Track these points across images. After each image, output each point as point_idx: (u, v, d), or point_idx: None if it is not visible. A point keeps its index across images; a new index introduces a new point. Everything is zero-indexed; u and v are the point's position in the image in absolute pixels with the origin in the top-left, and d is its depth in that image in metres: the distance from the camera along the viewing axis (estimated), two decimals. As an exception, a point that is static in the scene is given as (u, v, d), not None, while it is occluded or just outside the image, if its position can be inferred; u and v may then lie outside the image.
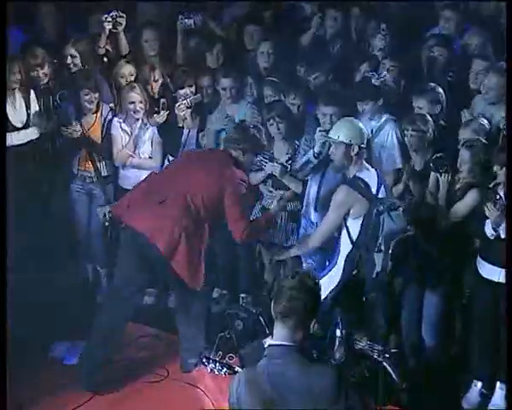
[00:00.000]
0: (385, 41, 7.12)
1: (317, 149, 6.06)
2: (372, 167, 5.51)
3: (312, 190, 6.27)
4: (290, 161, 6.34)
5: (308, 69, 6.97)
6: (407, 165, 6.03)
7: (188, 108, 6.60)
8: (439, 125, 6.10)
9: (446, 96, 6.23)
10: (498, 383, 5.72)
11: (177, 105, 6.59)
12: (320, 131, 6.05)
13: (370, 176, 5.43)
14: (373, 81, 6.52)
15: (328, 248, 6.17)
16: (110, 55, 7.08)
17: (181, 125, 6.65)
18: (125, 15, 6.94)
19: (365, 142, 5.43)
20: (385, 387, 5.00)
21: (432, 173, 5.75)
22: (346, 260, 5.39)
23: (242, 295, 6.90)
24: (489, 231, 5.39)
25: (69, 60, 6.80)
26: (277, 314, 3.41)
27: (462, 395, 5.74)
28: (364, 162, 5.46)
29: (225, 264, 6.98)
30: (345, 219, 5.38)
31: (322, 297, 5.04)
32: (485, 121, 6.04)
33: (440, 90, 6.21)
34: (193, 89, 6.71)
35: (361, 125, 5.56)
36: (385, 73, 6.61)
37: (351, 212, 5.35)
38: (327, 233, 5.50)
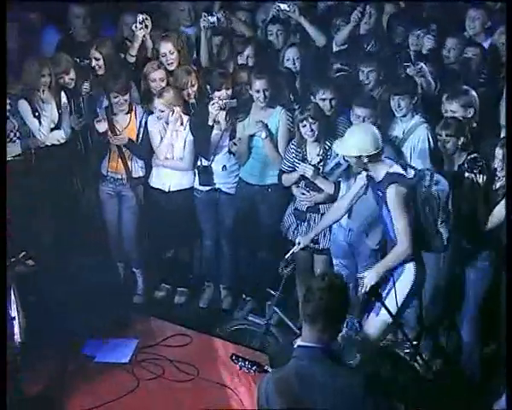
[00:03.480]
0: (421, 41, 7.14)
1: None
2: (389, 158, 5.38)
3: (344, 192, 6.19)
4: (322, 163, 6.35)
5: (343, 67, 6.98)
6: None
7: (222, 109, 6.57)
8: (472, 128, 6.01)
9: (479, 97, 6.16)
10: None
11: (211, 103, 6.54)
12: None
13: (394, 165, 5.31)
14: (408, 71, 6.47)
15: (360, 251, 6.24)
16: (137, 58, 7.08)
17: (211, 123, 6.60)
18: (149, 18, 6.94)
19: (379, 147, 5.22)
20: (413, 387, 4.99)
21: (466, 175, 5.73)
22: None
23: (269, 302, 6.96)
24: None
25: (94, 62, 6.85)
26: (306, 316, 3.41)
27: (495, 399, 5.66)
28: (385, 159, 5.30)
29: (252, 270, 7.01)
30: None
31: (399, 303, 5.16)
32: None
33: (473, 93, 6.12)
34: (229, 91, 6.67)
35: (372, 130, 5.33)
36: (422, 64, 6.50)
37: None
38: (409, 233, 5.19)
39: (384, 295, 5.23)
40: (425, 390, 5.19)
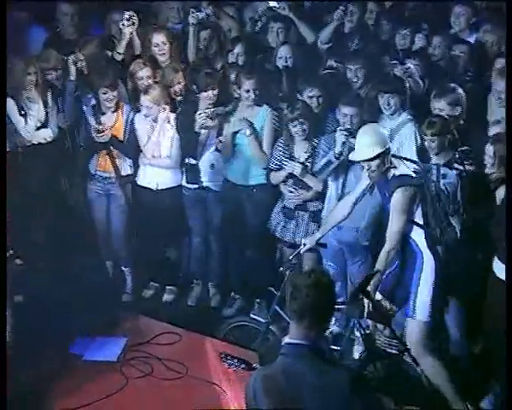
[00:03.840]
0: (408, 40, 7.15)
1: (337, 150, 6.04)
2: (398, 158, 5.42)
3: (334, 192, 6.27)
4: (310, 160, 6.36)
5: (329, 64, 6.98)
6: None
7: (209, 118, 6.54)
8: (460, 125, 6.03)
9: (466, 94, 6.17)
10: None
11: (198, 113, 6.52)
12: (340, 130, 6.02)
13: (400, 165, 5.34)
14: (396, 71, 6.49)
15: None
16: (125, 56, 7.04)
17: (198, 130, 6.59)
18: (136, 15, 6.90)
19: (387, 145, 5.30)
20: (404, 386, 5.01)
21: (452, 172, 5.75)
22: (429, 247, 5.33)
23: (257, 300, 6.96)
24: None
25: (79, 64, 6.76)
26: (293, 313, 3.40)
27: (483, 397, 5.69)
28: (392, 159, 5.34)
29: (240, 268, 7.02)
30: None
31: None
32: None
33: (460, 91, 6.12)
34: (216, 92, 6.63)
35: (379, 129, 5.41)
36: (409, 65, 6.55)
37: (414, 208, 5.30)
38: (397, 237, 5.30)
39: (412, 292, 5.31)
40: (413, 386, 5.20)
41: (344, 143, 5.99)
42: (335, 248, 6.34)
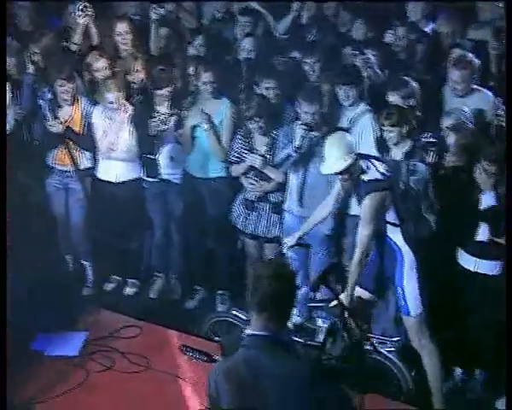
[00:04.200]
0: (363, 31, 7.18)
1: (297, 143, 6.01)
2: (366, 159, 5.34)
3: (295, 183, 6.24)
4: (271, 152, 6.32)
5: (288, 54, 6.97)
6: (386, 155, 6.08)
7: (162, 123, 6.53)
8: (417, 117, 6.02)
9: (423, 84, 6.21)
10: (477, 371, 5.83)
11: (152, 117, 6.53)
12: (300, 124, 6.00)
13: (371, 169, 5.27)
14: (356, 61, 6.49)
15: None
16: (81, 47, 6.99)
17: (154, 134, 6.59)
18: (91, 6, 6.84)
19: (354, 151, 5.24)
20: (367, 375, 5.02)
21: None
22: (407, 242, 5.31)
23: (220, 292, 6.98)
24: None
25: (35, 57, 6.71)
26: (254, 304, 3.36)
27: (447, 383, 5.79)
28: (361, 163, 5.27)
29: (202, 260, 7.00)
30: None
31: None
32: (467, 109, 5.97)
33: (414, 84, 6.13)
34: (170, 88, 6.58)
35: (347, 138, 5.30)
36: (369, 55, 6.55)
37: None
38: (367, 244, 5.26)
39: (400, 289, 5.33)
40: (376, 375, 5.23)
41: (303, 136, 5.99)
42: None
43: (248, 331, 3.46)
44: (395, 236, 5.32)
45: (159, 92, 6.58)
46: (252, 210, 6.52)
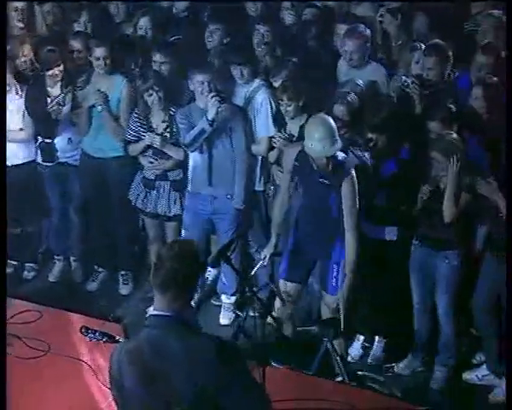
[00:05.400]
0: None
1: (210, 117, 5.85)
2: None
3: (200, 162, 6.11)
4: (169, 130, 6.22)
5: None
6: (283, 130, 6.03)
7: (59, 105, 6.34)
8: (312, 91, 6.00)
9: (318, 59, 6.25)
10: (377, 338, 5.96)
11: (49, 102, 6.31)
12: (213, 96, 5.82)
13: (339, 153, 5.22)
14: (254, 41, 6.46)
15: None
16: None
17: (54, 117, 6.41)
18: None
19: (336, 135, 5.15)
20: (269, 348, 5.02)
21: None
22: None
23: (122, 272, 6.86)
24: None
25: None
26: (157, 284, 3.26)
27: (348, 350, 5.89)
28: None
29: (102, 241, 6.87)
30: None
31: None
32: (361, 82, 6.01)
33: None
34: (61, 68, 6.37)
35: (330, 122, 5.17)
36: (262, 31, 6.51)
37: None
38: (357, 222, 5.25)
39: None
40: (280, 349, 5.23)
41: (217, 110, 5.85)
42: (202, 216, 6.27)
43: (151, 312, 3.37)
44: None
45: (49, 72, 6.35)
46: (151, 189, 6.40)
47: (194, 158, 6.15)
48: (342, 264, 5.34)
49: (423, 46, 6.15)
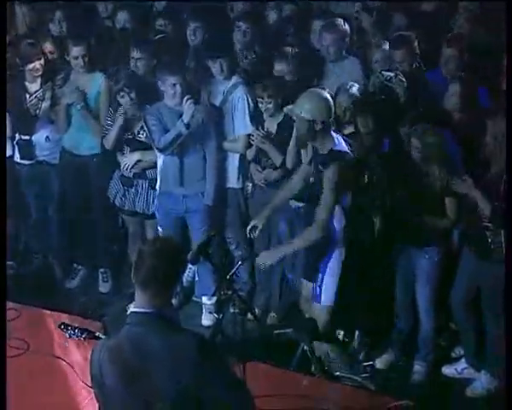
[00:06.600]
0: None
1: (186, 120, 5.76)
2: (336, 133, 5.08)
3: (171, 163, 6.02)
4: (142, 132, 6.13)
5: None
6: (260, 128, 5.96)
7: (40, 100, 6.27)
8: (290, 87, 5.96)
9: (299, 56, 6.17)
10: (357, 332, 5.90)
11: (28, 100, 6.22)
12: (188, 99, 5.73)
13: (341, 143, 5.02)
14: (235, 38, 6.42)
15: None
16: None
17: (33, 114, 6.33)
18: None
19: (332, 116, 4.95)
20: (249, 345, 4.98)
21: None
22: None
23: (101, 269, 6.78)
24: None
25: None
26: (138, 282, 3.20)
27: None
28: (332, 133, 4.99)
29: (81, 239, 6.80)
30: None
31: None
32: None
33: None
34: (42, 61, 6.30)
35: (327, 97, 4.97)
36: (243, 28, 6.47)
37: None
38: (327, 219, 4.96)
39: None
40: (260, 345, 5.19)
41: (193, 113, 5.76)
42: (173, 215, 6.19)
43: (132, 309, 3.31)
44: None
45: (30, 66, 6.26)
46: (129, 187, 6.32)
47: (164, 158, 6.06)
48: (327, 271, 5.20)
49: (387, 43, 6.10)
